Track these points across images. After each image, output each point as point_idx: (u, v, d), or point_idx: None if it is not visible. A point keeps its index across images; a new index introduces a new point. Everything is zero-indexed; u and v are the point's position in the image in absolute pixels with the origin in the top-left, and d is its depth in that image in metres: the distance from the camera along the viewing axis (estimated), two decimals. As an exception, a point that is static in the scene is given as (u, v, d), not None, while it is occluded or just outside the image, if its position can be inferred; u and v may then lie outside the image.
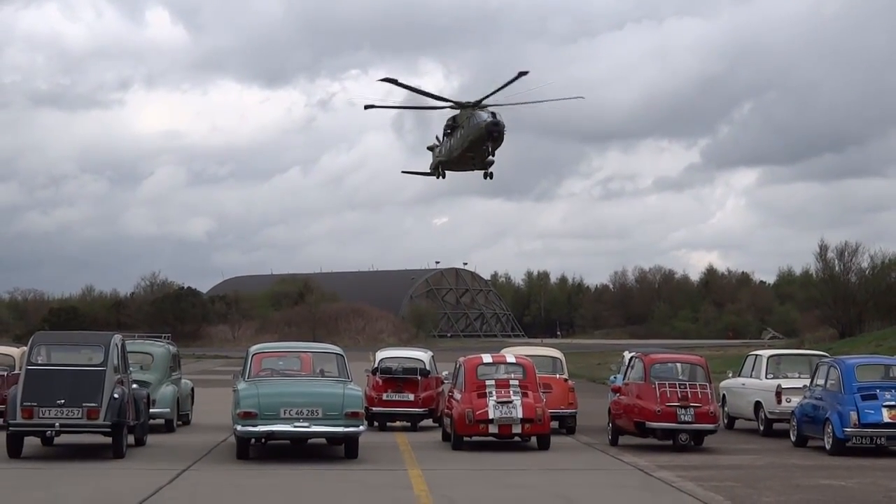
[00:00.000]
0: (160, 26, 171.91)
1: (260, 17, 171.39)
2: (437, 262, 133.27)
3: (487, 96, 49.79)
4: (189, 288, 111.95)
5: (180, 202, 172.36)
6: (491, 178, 52.91)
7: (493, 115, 49.81)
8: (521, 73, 46.33)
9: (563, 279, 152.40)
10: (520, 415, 17.21)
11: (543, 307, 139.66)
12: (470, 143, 49.73)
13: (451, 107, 53.65)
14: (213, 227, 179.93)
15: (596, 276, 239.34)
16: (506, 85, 45.32)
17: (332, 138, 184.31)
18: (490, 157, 51.53)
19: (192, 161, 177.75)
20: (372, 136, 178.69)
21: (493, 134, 48.27)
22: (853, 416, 16.59)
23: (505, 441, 17.60)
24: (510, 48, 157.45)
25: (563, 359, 22.30)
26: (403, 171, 66.18)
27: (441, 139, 57.36)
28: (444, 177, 56.13)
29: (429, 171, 58.07)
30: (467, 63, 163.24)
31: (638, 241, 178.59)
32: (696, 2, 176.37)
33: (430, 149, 61.15)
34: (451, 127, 54.75)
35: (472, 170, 54.39)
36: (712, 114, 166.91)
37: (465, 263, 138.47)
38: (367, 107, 51.92)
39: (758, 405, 20.73)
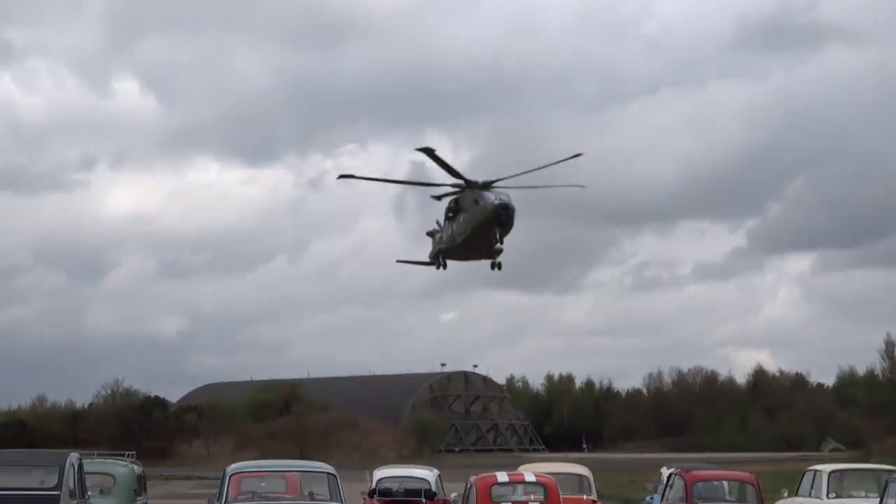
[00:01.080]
0: (128, 97, 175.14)
1: (242, 85, 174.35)
2: (444, 365, 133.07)
3: (502, 179, 49.51)
4: (157, 398, 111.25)
5: (149, 297, 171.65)
6: (499, 268, 53.49)
7: (500, 198, 49.89)
8: (576, 155, 46.23)
9: (589, 383, 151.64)
10: (542, 543, 17.04)
11: (567, 416, 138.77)
12: (474, 228, 50.12)
13: (452, 185, 54.61)
14: (187, 326, 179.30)
15: (627, 379, 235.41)
16: (549, 165, 45.18)
17: (324, 222, 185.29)
18: (498, 245, 52.06)
19: (164, 250, 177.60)
20: (370, 219, 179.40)
21: (502, 219, 48.44)
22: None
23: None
24: (529, 116, 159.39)
25: (591, 476, 22.02)
26: (399, 261, 66.82)
27: (441, 224, 58.11)
28: (444, 267, 57.01)
29: (428, 260, 58.68)
30: (479, 135, 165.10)
31: (676, 338, 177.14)
32: (741, 63, 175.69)
33: (430, 234, 62.21)
34: (454, 210, 55.50)
35: (478, 259, 55.15)
36: (760, 190, 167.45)
37: (476, 366, 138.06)
38: (341, 177, 53.40)
39: (818, 531, 20.69)
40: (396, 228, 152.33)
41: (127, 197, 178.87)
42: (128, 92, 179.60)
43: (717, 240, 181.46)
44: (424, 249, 60.40)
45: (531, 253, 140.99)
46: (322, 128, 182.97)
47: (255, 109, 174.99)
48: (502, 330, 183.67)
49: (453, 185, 55.60)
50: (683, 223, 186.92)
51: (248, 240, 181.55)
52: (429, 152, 49.59)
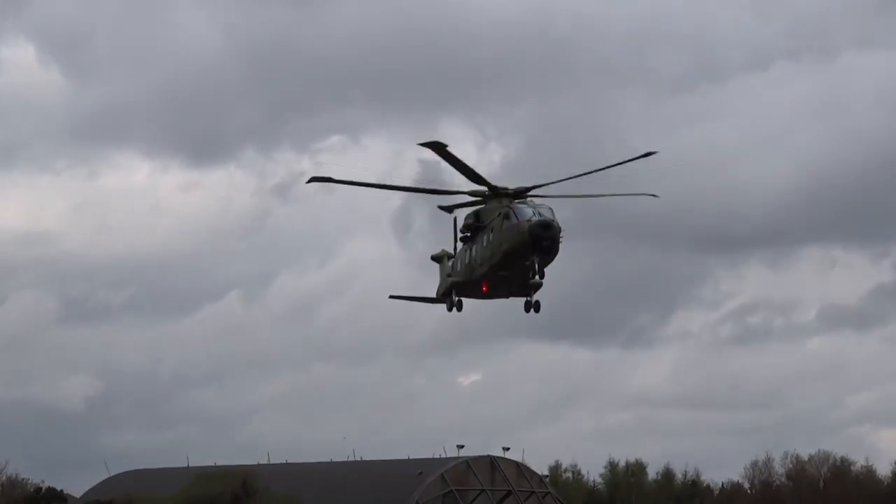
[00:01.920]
0: (21, 68, 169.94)
1: (183, 52, 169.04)
2: (461, 447, 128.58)
3: (542, 185, 52.91)
4: (54, 490, 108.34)
5: (47, 349, 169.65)
6: (537, 310, 55.01)
7: (540, 212, 51.71)
8: (647, 154, 51.10)
9: (667, 474, 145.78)
10: None
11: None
12: (504, 255, 50.69)
13: (471, 193, 56.19)
14: (99, 390, 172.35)
15: (723, 468, 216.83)
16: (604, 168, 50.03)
17: (295, 245, 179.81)
18: (536, 279, 53.40)
19: (69, 282, 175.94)
20: (360, 240, 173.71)
21: (542, 242, 49.53)
22: None
23: None
24: (585, 100, 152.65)
25: None
26: (393, 297, 65.06)
27: (455, 248, 59.25)
28: (460, 307, 58.69)
29: (435, 296, 59.78)
30: (515, 125, 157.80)
31: (792, 411, 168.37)
32: (886, 28, 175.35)
33: (437, 259, 64.01)
34: (474, 228, 56.28)
35: (506, 297, 57.10)
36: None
37: (507, 449, 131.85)
38: (312, 180, 54.86)
39: None
40: (398, 254, 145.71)
41: (17, 208, 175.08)
42: (19, 61, 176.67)
43: (853, 273, 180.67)
44: (431, 281, 60.27)
45: (585, 290, 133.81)
46: (295, 112, 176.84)
47: (199, 86, 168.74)
48: (544, 398, 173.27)
49: (473, 194, 57.16)
50: (805, 250, 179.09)
51: (188, 269, 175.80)
52: (438, 148, 50.23)
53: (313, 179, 55.58)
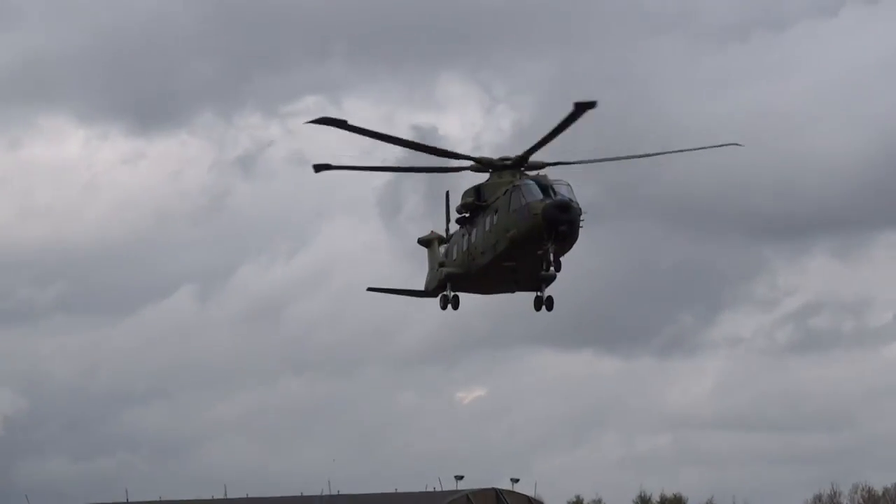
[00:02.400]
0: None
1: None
2: (461, 478, 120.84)
3: (538, 145, 50.86)
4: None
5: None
6: (549, 307, 54.02)
7: (555, 189, 50.84)
8: (584, 106, 47.82)
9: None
10: None
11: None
12: (511, 241, 50.12)
13: (472, 168, 53.93)
14: (20, 407, 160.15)
15: (779, 499, 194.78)
16: (562, 127, 47.53)
17: (260, 231, 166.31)
18: (551, 270, 51.44)
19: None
20: (340, 222, 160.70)
21: (559, 226, 48.86)
22: None
23: None
24: (615, 51, 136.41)
25: None
26: (371, 290, 62.99)
27: (447, 230, 57.68)
28: (455, 304, 55.84)
29: (424, 289, 58.80)
30: (529, 83, 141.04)
31: (863, 434, 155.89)
32: None
33: (425, 244, 60.43)
34: (473, 207, 54.48)
35: (511, 291, 55.92)
36: None
37: (516, 480, 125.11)
38: (318, 168, 52.56)
39: None
40: (385, 242, 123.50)
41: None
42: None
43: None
44: (419, 270, 57.45)
45: (612, 285, 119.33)
46: (261, 68, 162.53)
47: (146, 36, 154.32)
48: (562, 419, 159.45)
49: (474, 167, 54.15)
50: (882, 237, 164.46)
51: (130, 260, 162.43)
52: (336, 123, 48.65)
53: (320, 168, 52.81)
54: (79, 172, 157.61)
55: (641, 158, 55.36)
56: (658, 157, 55.28)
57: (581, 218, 50.96)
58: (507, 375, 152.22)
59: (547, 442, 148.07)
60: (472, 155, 53.34)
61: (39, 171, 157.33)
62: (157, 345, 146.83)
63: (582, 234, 50.70)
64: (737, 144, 55.55)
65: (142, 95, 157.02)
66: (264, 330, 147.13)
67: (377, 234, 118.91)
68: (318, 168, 53.44)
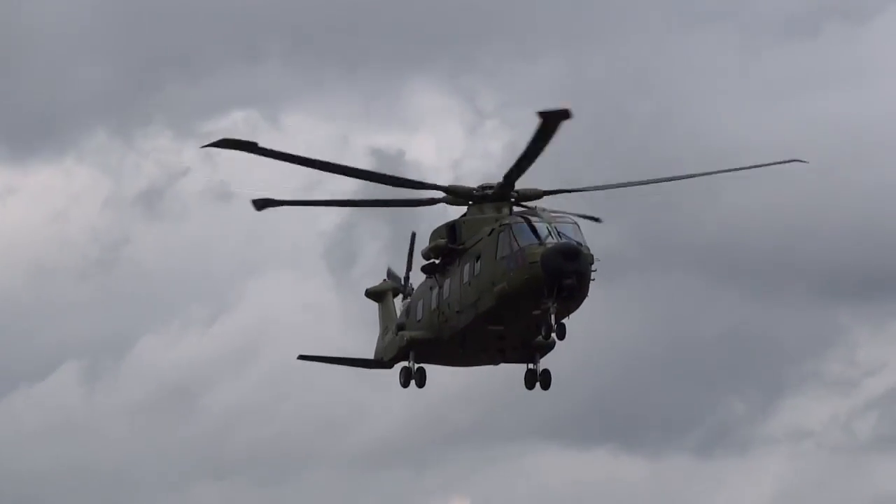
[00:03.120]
0: None
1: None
2: None
3: (520, 165, 45.83)
4: None
5: None
6: (545, 385, 49.07)
7: (558, 230, 45.51)
8: (555, 115, 43.36)
9: None
10: None
11: None
12: (499, 297, 45.40)
13: (444, 200, 48.74)
14: None
15: None
16: (538, 142, 44.37)
17: (168, 289, 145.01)
18: (551, 335, 45.70)
19: None
20: (274, 276, 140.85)
21: (564, 279, 43.82)
22: None
23: None
24: (643, 50, 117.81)
25: None
26: (302, 358, 57.10)
27: (408, 282, 52.91)
28: (421, 381, 50.14)
29: (375, 357, 54.11)
30: (528, 91, 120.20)
31: None
32: None
33: (375, 297, 56.04)
34: (445, 252, 48.74)
35: (494, 363, 50.71)
36: None
37: None
38: (259, 204, 47.67)
39: None
40: (334, 302, 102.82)
41: None
42: None
43: None
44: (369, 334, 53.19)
45: (635, 361, 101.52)
46: (174, 76, 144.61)
47: (23, 39, 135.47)
48: None
49: (450, 197, 48.43)
50: None
51: None
52: (235, 145, 44.22)
53: (261, 205, 48.45)
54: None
55: (670, 182, 49.84)
56: (693, 183, 49.59)
57: (592, 268, 45.12)
58: (497, 481, 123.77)
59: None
60: (441, 184, 47.55)
61: None
62: (30, 441, 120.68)
63: (593, 289, 45.03)
64: (800, 161, 50.02)
65: (17, 114, 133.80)
66: (172, 422, 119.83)
67: (324, 294, 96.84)
68: (259, 204, 48.31)
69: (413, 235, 52.46)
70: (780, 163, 50.23)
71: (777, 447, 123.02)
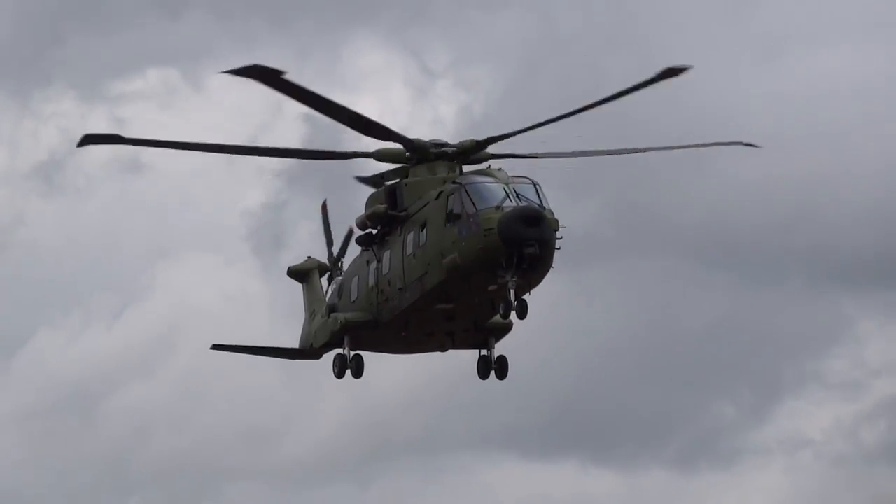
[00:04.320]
0: None
1: None
2: None
3: (523, 130, 44.87)
4: None
5: None
6: (501, 374, 47.28)
7: (517, 191, 43.47)
8: (673, 71, 42.67)
9: None
10: None
11: None
12: (450, 270, 43.13)
13: (382, 155, 46.55)
14: None
15: None
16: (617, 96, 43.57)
17: (67, 278, 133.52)
18: (510, 313, 43.80)
19: None
20: (188, 261, 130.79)
21: (525, 247, 41.52)
22: None
23: None
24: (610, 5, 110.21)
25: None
26: (216, 347, 54.52)
27: (332, 257, 51.39)
28: (357, 370, 48.14)
29: (301, 346, 52.17)
30: (488, 49, 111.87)
31: None
32: None
33: (298, 275, 53.67)
34: (385, 220, 46.58)
35: (442, 349, 48.36)
36: None
37: None
38: (86, 140, 44.42)
39: None
40: (258, 289, 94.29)
41: None
42: None
43: None
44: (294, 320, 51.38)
45: (608, 359, 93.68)
46: (77, 29, 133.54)
47: None
48: None
49: (383, 156, 46.38)
50: None
51: None
52: (266, 78, 41.06)
53: (89, 140, 44.68)
54: None
55: (635, 155, 47.77)
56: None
57: (558, 235, 42.35)
58: (448, 496, 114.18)
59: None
60: (398, 133, 44.05)
61: None
62: None
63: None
64: (751, 145, 48.19)
65: None
66: (71, 430, 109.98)
67: (248, 280, 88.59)
68: (88, 140, 44.41)
69: (324, 205, 50.42)
70: (727, 143, 48.38)
71: (770, 458, 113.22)
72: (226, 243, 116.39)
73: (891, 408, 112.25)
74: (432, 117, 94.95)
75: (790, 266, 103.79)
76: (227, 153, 47.73)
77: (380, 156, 45.89)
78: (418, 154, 45.25)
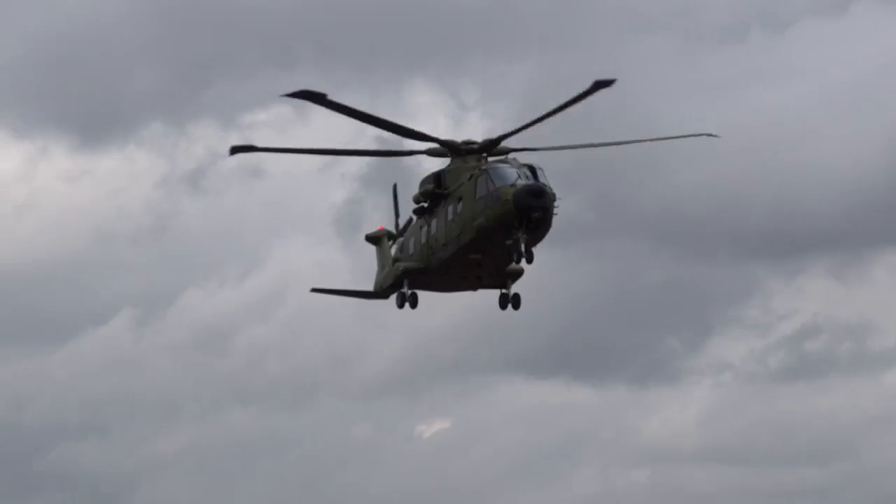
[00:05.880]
0: None
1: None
2: None
3: (519, 129, 50.31)
4: None
5: None
6: (516, 305, 53.11)
7: (530, 171, 49.71)
8: (601, 84, 48.14)
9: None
10: None
11: None
12: (478, 230, 48.73)
13: (430, 152, 52.60)
14: None
15: None
16: (565, 106, 49.24)
17: (208, 252, 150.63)
18: (522, 260, 49.96)
19: None
20: (295, 242, 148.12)
21: (532, 213, 47.35)
22: None
23: None
24: (603, 52, 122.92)
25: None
26: (315, 290, 61.64)
27: (397, 225, 57.24)
28: (414, 303, 53.94)
29: (374, 289, 58.00)
30: (505, 87, 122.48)
31: (862, 468, 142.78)
32: None
33: (373, 240, 59.84)
34: (433, 196, 52.95)
35: (474, 288, 54.50)
36: None
37: None
38: (233, 150, 50.85)
39: None
40: (343, 262, 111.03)
41: None
42: None
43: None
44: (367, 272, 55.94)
45: (588, 307, 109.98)
46: (220, 75, 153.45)
47: (90, 41, 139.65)
48: (533, 453, 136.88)
49: (431, 153, 52.62)
50: (885, 255, 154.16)
51: (64, 284, 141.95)
52: (316, 98, 47.11)
53: (236, 150, 51.07)
54: (14, 190, 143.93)
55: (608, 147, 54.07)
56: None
57: (555, 204, 49.08)
58: (472, 407, 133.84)
59: (516, 478, 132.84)
60: (436, 138, 51.49)
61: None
62: (92, 376, 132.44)
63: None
64: (711, 135, 54.05)
65: (85, 106, 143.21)
66: (209, 359, 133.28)
67: (335, 254, 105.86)
68: (235, 150, 51.56)
69: (395, 187, 56.77)
70: (692, 135, 54.22)
71: (703, 378, 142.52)
72: (318, 226, 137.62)
73: (788, 342, 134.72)
74: (464, 136, 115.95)
75: (718, 242, 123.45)
76: (325, 154, 55.08)
77: (430, 153, 52.79)
78: (455, 150, 52.10)
